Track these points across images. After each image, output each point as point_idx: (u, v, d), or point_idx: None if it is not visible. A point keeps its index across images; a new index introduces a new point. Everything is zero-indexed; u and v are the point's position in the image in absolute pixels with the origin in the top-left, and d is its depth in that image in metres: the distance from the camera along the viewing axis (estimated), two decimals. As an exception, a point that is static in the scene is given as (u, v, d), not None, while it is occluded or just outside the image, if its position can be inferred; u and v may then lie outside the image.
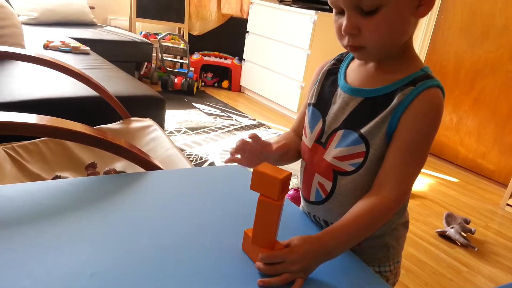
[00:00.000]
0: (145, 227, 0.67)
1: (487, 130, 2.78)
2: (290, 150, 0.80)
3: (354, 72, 0.74)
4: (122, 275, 0.56)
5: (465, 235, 1.90)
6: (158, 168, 0.89)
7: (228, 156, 0.76)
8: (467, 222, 1.98)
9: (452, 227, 1.90)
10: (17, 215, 0.66)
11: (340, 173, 0.72)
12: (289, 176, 0.57)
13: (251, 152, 0.73)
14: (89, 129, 0.87)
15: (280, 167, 0.60)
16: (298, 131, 0.84)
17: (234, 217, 0.73)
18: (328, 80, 0.77)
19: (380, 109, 0.67)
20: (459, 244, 1.88)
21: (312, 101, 0.77)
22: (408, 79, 0.67)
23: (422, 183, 2.55)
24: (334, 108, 0.73)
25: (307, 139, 0.77)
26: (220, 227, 0.69)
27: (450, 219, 1.94)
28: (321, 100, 0.76)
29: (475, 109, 2.84)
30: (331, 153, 0.72)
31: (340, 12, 0.66)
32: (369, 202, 0.65)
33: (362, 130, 0.68)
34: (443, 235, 1.93)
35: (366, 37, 0.64)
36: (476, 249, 1.85)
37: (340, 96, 0.73)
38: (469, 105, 2.87)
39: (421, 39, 3.04)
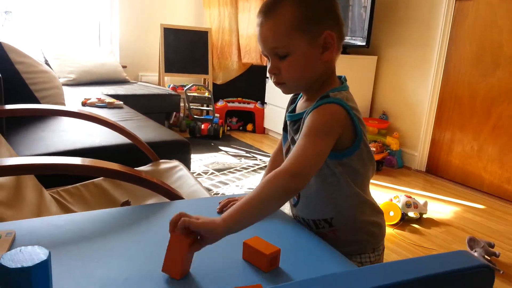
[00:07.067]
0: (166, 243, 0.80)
1: (509, 155, 2.79)
2: None
3: (299, 102, 0.95)
4: (148, 280, 0.68)
5: (489, 258, 1.91)
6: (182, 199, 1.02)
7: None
8: (491, 245, 1.99)
9: (475, 251, 1.92)
10: (64, 238, 0.81)
11: None
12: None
13: None
14: (126, 168, 1.03)
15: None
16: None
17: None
18: (289, 108, 0.98)
19: (299, 129, 0.85)
20: (484, 268, 1.88)
21: (283, 126, 0.97)
22: (316, 104, 0.83)
23: (447, 210, 2.56)
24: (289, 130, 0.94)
25: (284, 156, 0.97)
26: (225, 241, 0.81)
27: (472, 243, 1.96)
28: (285, 124, 0.96)
29: (495, 136, 2.87)
30: None
31: (268, 58, 0.87)
32: (268, 177, 0.75)
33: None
34: (467, 260, 1.94)
35: (283, 75, 0.85)
36: (501, 272, 1.85)
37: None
38: (488, 132, 2.90)
39: (434, 71, 3.15)
